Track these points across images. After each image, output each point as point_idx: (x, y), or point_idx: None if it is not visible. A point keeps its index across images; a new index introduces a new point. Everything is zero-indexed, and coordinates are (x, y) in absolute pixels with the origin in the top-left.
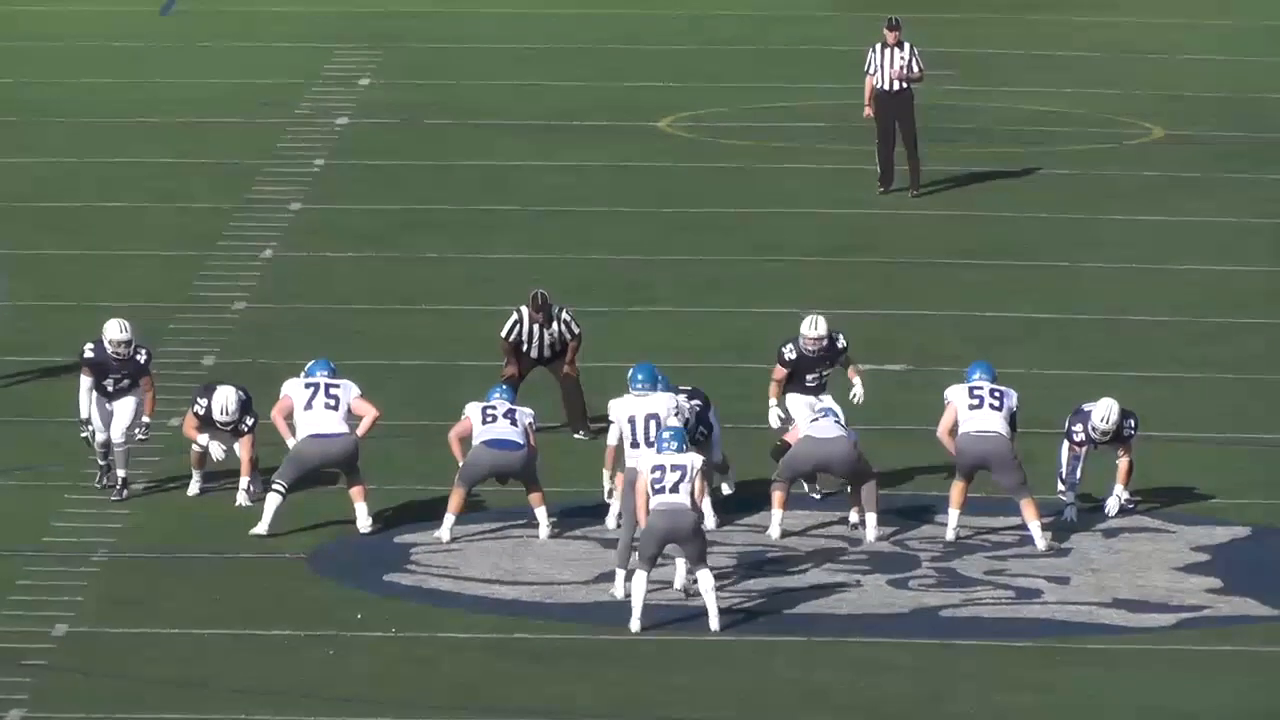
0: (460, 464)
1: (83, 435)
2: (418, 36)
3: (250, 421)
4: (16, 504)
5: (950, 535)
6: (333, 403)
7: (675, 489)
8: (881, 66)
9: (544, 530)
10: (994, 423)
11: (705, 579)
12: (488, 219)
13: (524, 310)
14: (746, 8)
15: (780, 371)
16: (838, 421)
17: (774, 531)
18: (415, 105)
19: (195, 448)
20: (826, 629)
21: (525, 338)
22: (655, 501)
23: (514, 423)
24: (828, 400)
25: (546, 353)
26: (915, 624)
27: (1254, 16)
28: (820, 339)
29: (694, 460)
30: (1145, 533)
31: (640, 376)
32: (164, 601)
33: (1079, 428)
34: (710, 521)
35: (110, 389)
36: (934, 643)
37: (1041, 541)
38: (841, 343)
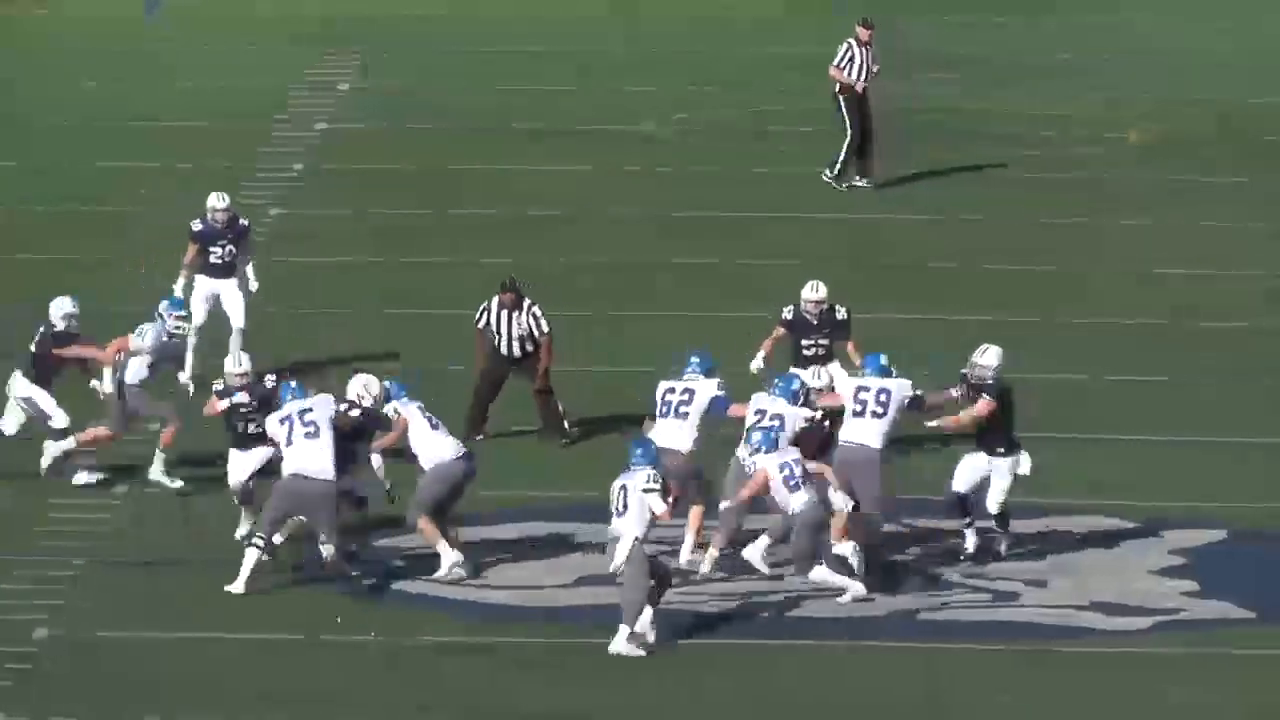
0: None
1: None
2: (399, 40)
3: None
4: (4, 505)
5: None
6: (312, 429)
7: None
8: (864, 65)
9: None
10: (866, 434)
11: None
12: (471, 223)
13: (494, 299)
14: (747, 9)
15: (778, 330)
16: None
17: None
18: (396, 110)
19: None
20: (803, 633)
21: (494, 325)
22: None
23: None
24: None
25: (516, 349)
26: (892, 627)
27: (1253, 20)
28: (820, 303)
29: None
30: (1123, 536)
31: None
32: (151, 604)
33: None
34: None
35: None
36: (911, 645)
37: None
38: (841, 314)
